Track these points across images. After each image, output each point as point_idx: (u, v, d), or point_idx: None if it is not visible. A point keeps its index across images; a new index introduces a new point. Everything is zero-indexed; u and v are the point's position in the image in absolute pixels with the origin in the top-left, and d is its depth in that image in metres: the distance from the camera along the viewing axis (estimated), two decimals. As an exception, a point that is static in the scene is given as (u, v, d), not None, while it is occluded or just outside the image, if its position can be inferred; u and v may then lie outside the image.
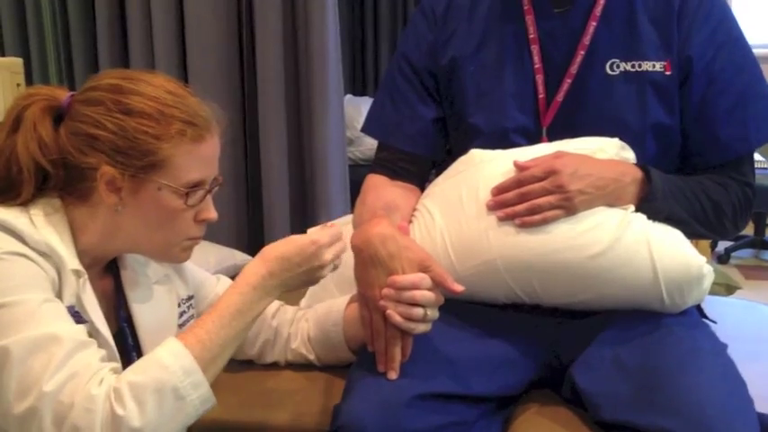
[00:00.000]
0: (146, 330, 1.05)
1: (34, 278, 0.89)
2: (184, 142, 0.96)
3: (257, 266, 1.01)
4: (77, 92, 0.99)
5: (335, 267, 1.08)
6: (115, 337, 1.00)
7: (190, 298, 1.16)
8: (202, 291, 1.22)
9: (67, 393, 0.83)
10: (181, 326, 1.11)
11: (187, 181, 0.97)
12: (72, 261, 0.94)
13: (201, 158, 0.98)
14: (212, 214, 1.03)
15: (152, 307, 1.07)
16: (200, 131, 0.97)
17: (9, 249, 0.88)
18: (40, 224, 0.93)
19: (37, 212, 0.95)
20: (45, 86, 1.01)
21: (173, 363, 0.88)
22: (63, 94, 0.99)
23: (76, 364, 0.85)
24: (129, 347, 1.03)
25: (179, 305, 1.13)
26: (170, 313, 1.10)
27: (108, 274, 1.06)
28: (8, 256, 0.87)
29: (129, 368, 0.89)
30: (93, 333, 0.94)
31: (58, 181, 0.97)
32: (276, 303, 1.29)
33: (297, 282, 1.04)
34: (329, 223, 1.15)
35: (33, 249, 0.90)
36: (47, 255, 0.91)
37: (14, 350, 0.83)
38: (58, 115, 0.98)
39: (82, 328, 0.91)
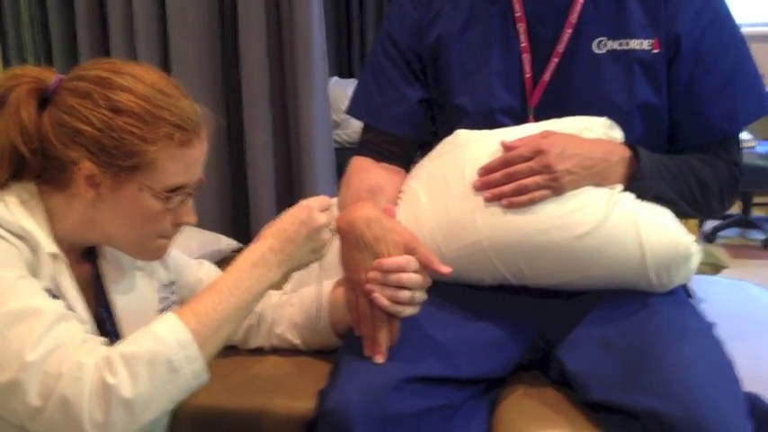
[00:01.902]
0: (125, 317, 1.03)
1: (7, 257, 0.87)
2: (171, 146, 0.93)
3: (256, 244, 1.00)
4: (66, 78, 0.96)
5: (333, 234, 1.06)
6: (95, 323, 0.98)
7: (171, 283, 1.14)
8: (184, 276, 1.20)
9: (53, 363, 0.81)
10: (161, 312, 1.09)
11: (169, 185, 0.95)
12: (48, 245, 0.92)
13: (187, 163, 0.96)
14: (191, 218, 1.01)
15: (131, 293, 1.06)
16: (188, 136, 0.94)
17: None
18: (15, 209, 0.91)
19: (11, 198, 0.92)
20: (33, 67, 0.98)
21: (167, 335, 0.87)
22: (51, 77, 0.95)
23: (60, 335, 0.83)
24: (108, 334, 1.01)
25: (160, 291, 1.11)
26: (150, 299, 1.08)
27: (86, 261, 1.04)
28: None
29: (122, 341, 0.87)
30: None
31: (36, 168, 0.94)
32: None
33: (302, 252, 1.01)
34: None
35: (7, 231, 0.88)
36: (21, 237, 0.89)
37: None
38: (44, 99, 0.95)
39: (61, 302, 0.89)
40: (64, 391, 0.80)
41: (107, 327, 1.02)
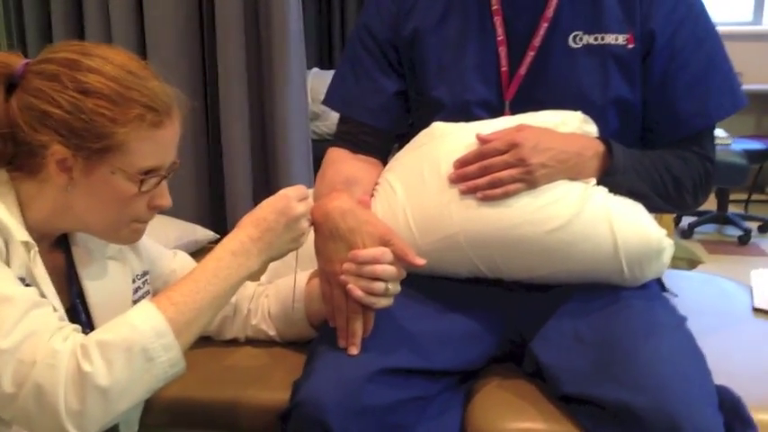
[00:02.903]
0: (98, 306, 1.02)
1: None
2: (143, 128, 0.91)
3: (235, 233, 1.00)
4: (33, 61, 0.94)
5: (311, 224, 1.07)
6: (67, 313, 0.97)
7: (145, 273, 1.13)
8: (157, 266, 1.19)
9: (27, 351, 0.80)
10: (135, 302, 1.09)
11: (142, 167, 0.94)
12: (20, 233, 0.91)
13: (159, 144, 0.95)
14: (166, 201, 1.00)
15: (105, 283, 1.04)
16: (159, 117, 0.93)
17: None
18: None
19: None
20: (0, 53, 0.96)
21: (143, 323, 0.86)
22: (18, 62, 0.94)
23: (34, 322, 0.82)
24: (82, 324, 1.00)
25: (134, 281, 1.10)
26: (124, 289, 1.08)
27: (58, 249, 1.03)
28: None
29: (98, 329, 0.87)
30: None
31: (6, 154, 0.93)
32: None
33: (281, 241, 1.01)
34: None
35: None
36: None
37: None
38: (11, 84, 0.93)
39: (33, 290, 0.88)
40: (38, 378, 0.79)
41: (80, 316, 1.01)
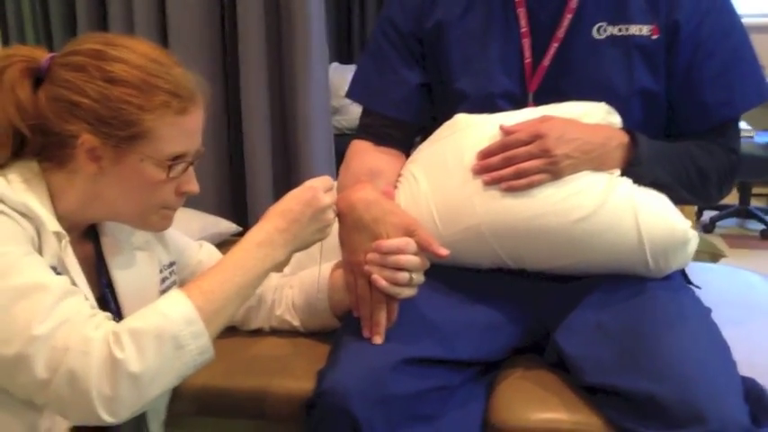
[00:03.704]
0: (127, 296, 1.04)
1: (12, 233, 0.87)
2: (168, 114, 0.93)
3: (261, 224, 1.01)
4: (58, 54, 0.96)
5: (336, 215, 1.08)
6: (97, 302, 0.98)
7: (171, 264, 1.15)
8: (184, 257, 1.20)
9: (61, 337, 0.82)
10: (162, 292, 1.10)
11: (170, 153, 0.95)
12: (52, 223, 0.92)
13: (185, 131, 0.96)
14: (194, 187, 1.01)
15: (133, 273, 1.06)
16: (184, 103, 0.95)
17: None
18: (18, 187, 0.91)
19: (14, 176, 0.93)
20: (24, 46, 0.98)
21: (173, 311, 0.88)
22: (43, 56, 0.96)
23: (67, 310, 0.84)
24: (112, 312, 1.02)
25: (161, 271, 1.11)
26: (151, 279, 1.09)
27: (87, 240, 1.04)
28: None
29: (129, 317, 0.88)
30: None
31: (36, 146, 0.95)
32: None
33: (307, 232, 1.02)
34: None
35: (11, 208, 0.88)
36: (25, 215, 0.89)
37: None
38: (38, 78, 0.95)
39: (66, 278, 0.89)
40: (71, 364, 0.81)
41: (110, 305, 1.02)
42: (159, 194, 0.98)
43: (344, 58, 4.29)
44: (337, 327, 1.22)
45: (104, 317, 0.88)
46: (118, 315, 1.03)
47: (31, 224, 0.90)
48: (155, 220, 1.01)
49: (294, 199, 1.03)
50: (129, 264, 1.06)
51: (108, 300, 1.03)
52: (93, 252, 1.05)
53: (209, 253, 1.26)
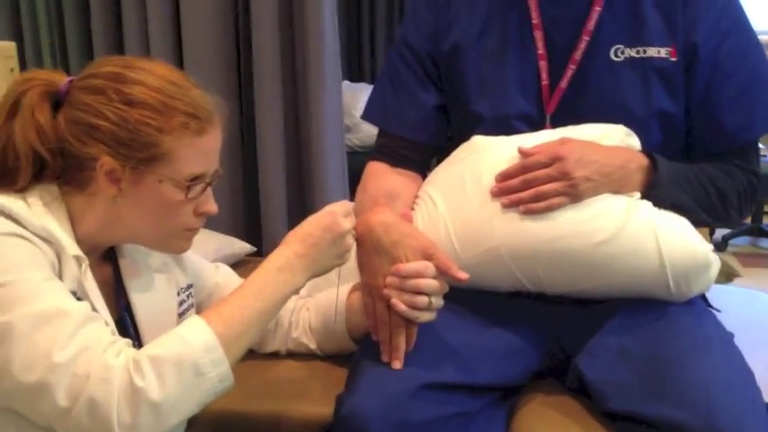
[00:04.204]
0: (145, 319, 1.03)
1: (34, 258, 0.87)
2: (187, 135, 0.93)
3: (281, 249, 1.01)
4: (76, 78, 0.97)
5: (354, 239, 1.08)
6: (116, 325, 0.98)
7: (189, 287, 1.15)
8: (201, 279, 1.20)
9: (81, 365, 0.81)
10: (180, 315, 1.10)
11: (188, 174, 0.95)
12: (72, 247, 0.92)
13: (203, 152, 0.96)
14: (212, 207, 1.01)
15: (151, 296, 1.06)
16: (202, 124, 0.95)
17: (6, 231, 0.86)
18: (38, 211, 0.91)
19: (34, 200, 0.93)
20: (43, 70, 0.98)
21: (194, 338, 0.87)
22: (61, 79, 0.96)
23: (88, 337, 0.84)
24: (130, 336, 1.01)
25: (178, 294, 1.11)
26: (169, 302, 1.09)
27: (106, 263, 1.04)
28: (5, 237, 0.85)
29: (149, 344, 0.88)
30: None
31: (56, 169, 0.95)
32: None
33: (326, 257, 1.03)
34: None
35: (32, 233, 0.88)
36: (46, 240, 0.89)
37: (19, 325, 0.81)
38: (57, 101, 0.95)
39: (87, 304, 0.89)
40: (92, 392, 0.80)
41: (129, 329, 1.02)
42: (178, 216, 0.98)
43: (354, 77, 4.31)
44: (354, 350, 1.21)
45: (125, 343, 0.87)
46: (136, 338, 1.03)
47: (52, 248, 0.90)
48: (175, 243, 1.01)
49: (314, 224, 1.03)
50: (147, 286, 1.06)
51: (126, 323, 1.03)
52: (111, 274, 1.05)
53: (226, 275, 1.26)
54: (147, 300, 1.05)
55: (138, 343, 1.02)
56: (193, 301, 1.15)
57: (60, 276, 0.90)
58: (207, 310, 0.93)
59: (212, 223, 1.98)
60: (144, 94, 0.92)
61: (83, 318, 0.85)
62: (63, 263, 0.90)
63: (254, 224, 2.11)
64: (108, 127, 0.91)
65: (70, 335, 0.82)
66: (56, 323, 0.82)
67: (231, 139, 2.05)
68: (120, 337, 0.89)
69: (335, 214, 1.03)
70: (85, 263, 0.93)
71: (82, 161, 0.93)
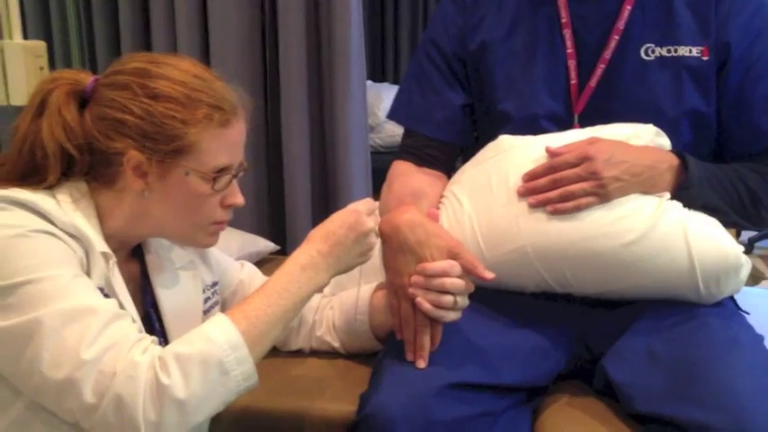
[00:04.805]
0: (171, 316, 1.04)
1: (63, 255, 0.87)
2: (211, 127, 0.94)
3: (305, 247, 1.01)
4: (102, 75, 0.98)
5: (378, 237, 1.08)
6: (142, 321, 0.99)
7: (214, 284, 1.15)
8: (227, 277, 1.21)
9: (108, 362, 0.82)
10: (206, 312, 1.10)
11: (214, 166, 0.96)
12: (100, 244, 0.93)
13: (228, 143, 0.97)
14: (239, 199, 1.02)
15: (177, 292, 1.06)
16: (227, 116, 0.96)
17: (36, 227, 0.87)
18: (67, 207, 0.92)
19: (63, 197, 0.94)
20: (69, 70, 1.00)
21: (219, 336, 0.88)
22: (87, 78, 0.98)
23: (115, 334, 0.84)
24: (156, 332, 1.02)
25: (204, 291, 1.12)
26: (195, 299, 1.09)
27: (134, 259, 1.05)
28: (35, 233, 0.86)
29: (175, 341, 0.89)
30: None
31: (84, 166, 0.96)
32: None
33: (350, 255, 1.03)
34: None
35: (61, 230, 0.89)
36: (74, 236, 0.90)
37: (47, 321, 0.82)
38: (83, 99, 0.97)
39: (114, 301, 0.90)
40: (119, 389, 0.81)
41: (154, 324, 1.03)
42: (205, 208, 0.98)
43: (377, 77, 4.32)
44: (378, 348, 1.21)
45: (151, 341, 0.88)
46: (162, 334, 1.03)
47: (80, 245, 0.91)
48: (202, 236, 1.02)
49: (338, 221, 1.03)
50: (173, 283, 1.07)
51: (152, 319, 1.03)
52: (138, 271, 1.05)
53: (251, 273, 1.26)
54: (173, 296, 1.06)
55: (164, 339, 1.03)
56: (218, 299, 1.16)
57: (88, 273, 0.91)
58: (231, 309, 0.94)
59: (237, 221, 2.00)
60: (168, 87, 0.93)
61: (110, 315, 0.85)
62: (91, 259, 0.91)
63: (278, 223, 2.12)
64: (134, 121, 0.92)
65: (98, 332, 0.83)
66: (83, 320, 0.83)
67: (256, 137, 2.06)
68: (146, 335, 0.89)
69: (359, 212, 1.03)
70: (113, 260, 0.94)
71: (109, 156, 0.94)
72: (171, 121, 0.93)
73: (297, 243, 2.03)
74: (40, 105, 0.96)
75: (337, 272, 1.03)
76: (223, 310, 1.19)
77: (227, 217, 1.02)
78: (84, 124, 0.95)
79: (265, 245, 1.91)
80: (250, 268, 1.28)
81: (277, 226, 2.12)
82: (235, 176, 1.00)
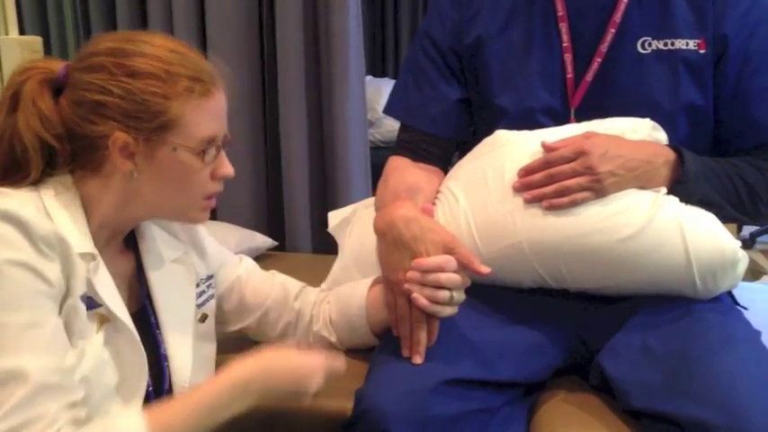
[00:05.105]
0: (164, 309, 1.03)
1: (26, 293, 0.83)
2: (193, 98, 0.93)
3: (246, 366, 0.93)
4: (74, 61, 0.97)
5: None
6: (137, 314, 0.98)
7: (209, 278, 1.15)
8: (223, 271, 1.20)
9: None
10: (199, 306, 1.10)
11: (200, 138, 0.95)
12: (83, 244, 0.91)
13: (211, 114, 0.96)
14: (229, 169, 1.01)
15: (170, 285, 1.06)
16: (207, 86, 0.95)
17: (5, 257, 0.83)
18: (51, 206, 0.90)
19: (48, 192, 0.92)
20: (40, 59, 0.98)
21: None
22: (57, 65, 0.96)
23: (34, 410, 0.80)
24: (151, 325, 1.02)
25: (198, 285, 1.11)
26: (188, 292, 1.08)
27: (128, 250, 1.05)
28: (6, 265, 0.82)
29: (87, 427, 0.84)
30: (109, 315, 0.93)
31: (66, 155, 0.94)
32: (298, 285, 1.27)
33: (277, 397, 0.96)
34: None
35: (38, 242, 0.85)
36: (52, 246, 0.86)
37: None
38: (57, 88, 0.95)
39: (59, 360, 0.85)
40: None
41: (150, 318, 1.02)
42: (196, 182, 0.97)
43: (378, 72, 4.30)
44: (375, 344, 1.21)
45: (68, 420, 0.83)
46: (157, 327, 1.02)
47: (57, 255, 0.87)
48: (193, 213, 1.01)
49: (291, 375, 0.96)
50: (167, 276, 1.06)
51: (148, 312, 1.03)
52: (134, 262, 1.05)
53: (248, 269, 1.25)
54: (167, 289, 1.05)
55: (159, 332, 1.02)
56: (213, 293, 1.15)
57: (68, 285, 0.88)
58: (154, 410, 0.87)
59: (235, 217, 2.00)
60: (146, 64, 0.92)
61: (40, 387, 0.81)
62: (70, 268, 0.88)
63: (276, 218, 2.11)
64: (114, 102, 0.91)
65: (17, 404, 0.79)
66: (10, 387, 0.79)
67: (254, 133, 2.06)
68: (66, 413, 0.83)
69: (314, 375, 0.96)
70: (96, 259, 0.92)
71: (93, 141, 0.93)
72: (152, 98, 0.91)
73: (295, 239, 2.05)
74: (14, 98, 0.94)
75: (258, 402, 0.95)
76: (219, 304, 1.20)
77: (219, 188, 1.01)
78: (61, 112, 0.94)
79: (263, 241, 1.91)
80: (248, 264, 1.27)
81: (275, 222, 2.11)
82: (222, 147, 0.99)
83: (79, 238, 0.91)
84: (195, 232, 1.15)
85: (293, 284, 1.27)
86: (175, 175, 0.96)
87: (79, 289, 0.89)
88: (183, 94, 0.93)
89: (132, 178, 0.94)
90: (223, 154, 1.00)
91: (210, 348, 1.13)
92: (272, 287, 1.24)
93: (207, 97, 0.95)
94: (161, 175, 0.95)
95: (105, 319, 0.93)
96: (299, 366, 0.97)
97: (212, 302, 1.15)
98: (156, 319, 1.03)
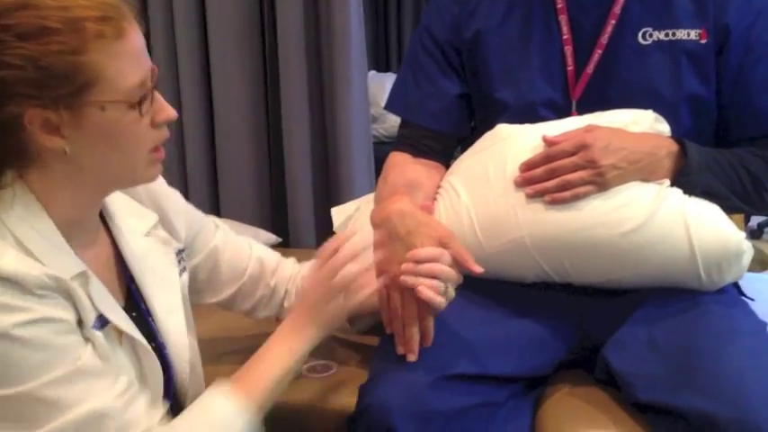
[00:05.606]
0: (152, 295, 0.98)
1: (52, 345, 0.79)
2: (106, 44, 0.79)
3: (294, 325, 1.00)
4: None
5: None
6: (129, 305, 0.94)
7: (180, 252, 1.06)
8: (198, 242, 1.14)
9: None
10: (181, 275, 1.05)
11: (128, 87, 0.81)
12: (69, 267, 0.83)
13: (132, 55, 0.82)
14: (170, 111, 0.88)
15: (153, 269, 0.99)
16: (118, 24, 0.80)
17: (12, 323, 0.76)
18: (19, 230, 0.81)
19: (6, 212, 0.81)
20: None
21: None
22: None
23: (128, 425, 0.82)
24: (143, 313, 0.97)
25: (176, 256, 1.04)
26: (170, 271, 1.02)
27: (102, 230, 0.96)
28: (21, 329, 0.76)
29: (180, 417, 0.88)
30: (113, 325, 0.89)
31: None
32: (275, 259, 1.24)
33: (331, 315, 1.01)
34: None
35: (35, 290, 0.78)
36: (48, 287, 0.80)
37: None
38: None
39: (113, 378, 0.84)
40: None
41: (140, 304, 0.97)
42: (137, 136, 0.85)
43: (381, 67, 4.30)
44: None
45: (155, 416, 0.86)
46: (149, 314, 0.97)
47: (59, 290, 0.81)
48: (143, 170, 0.89)
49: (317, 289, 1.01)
50: (146, 260, 0.99)
51: (137, 298, 0.97)
52: (110, 244, 0.97)
53: (225, 238, 1.19)
54: (150, 274, 0.98)
55: (152, 319, 0.98)
56: (186, 265, 1.07)
57: (79, 314, 0.83)
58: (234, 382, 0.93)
59: (238, 213, 2.00)
60: (36, 18, 0.76)
61: (120, 408, 0.82)
62: (73, 297, 0.83)
63: (280, 214, 2.11)
64: (13, 74, 0.76)
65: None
66: (95, 428, 0.80)
67: (257, 130, 2.06)
68: (155, 414, 0.87)
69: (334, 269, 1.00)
70: (86, 275, 0.85)
71: (7, 128, 0.79)
72: (59, 57, 0.76)
73: (299, 235, 2.05)
74: None
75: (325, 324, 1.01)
76: (195, 276, 1.13)
77: (165, 135, 0.89)
78: None
79: (267, 237, 1.91)
80: (225, 232, 1.21)
81: (279, 218, 2.12)
82: (154, 88, 0.86)
83: (63, 259, 0.83)
84: (162, 202, 1.05)
85: (270, 258, 1.23)
86: (112, 136, 0.82)
87: (89, 314, 0.84)
88: (92, 41, 0.78)
89: (67, 155, 0.81)
90: (158, 96, 0.86)
91: (189, 317, 1.06)
92: (248, 262, 1.20)
93: (122, 38, 0.80)
94: (96, 141, 0.82)
95: (120, 331, 0.89)
96: (337, 287, 1.00)
97: (186, 276, 1.07)
98: (145, 305, 0.97)
